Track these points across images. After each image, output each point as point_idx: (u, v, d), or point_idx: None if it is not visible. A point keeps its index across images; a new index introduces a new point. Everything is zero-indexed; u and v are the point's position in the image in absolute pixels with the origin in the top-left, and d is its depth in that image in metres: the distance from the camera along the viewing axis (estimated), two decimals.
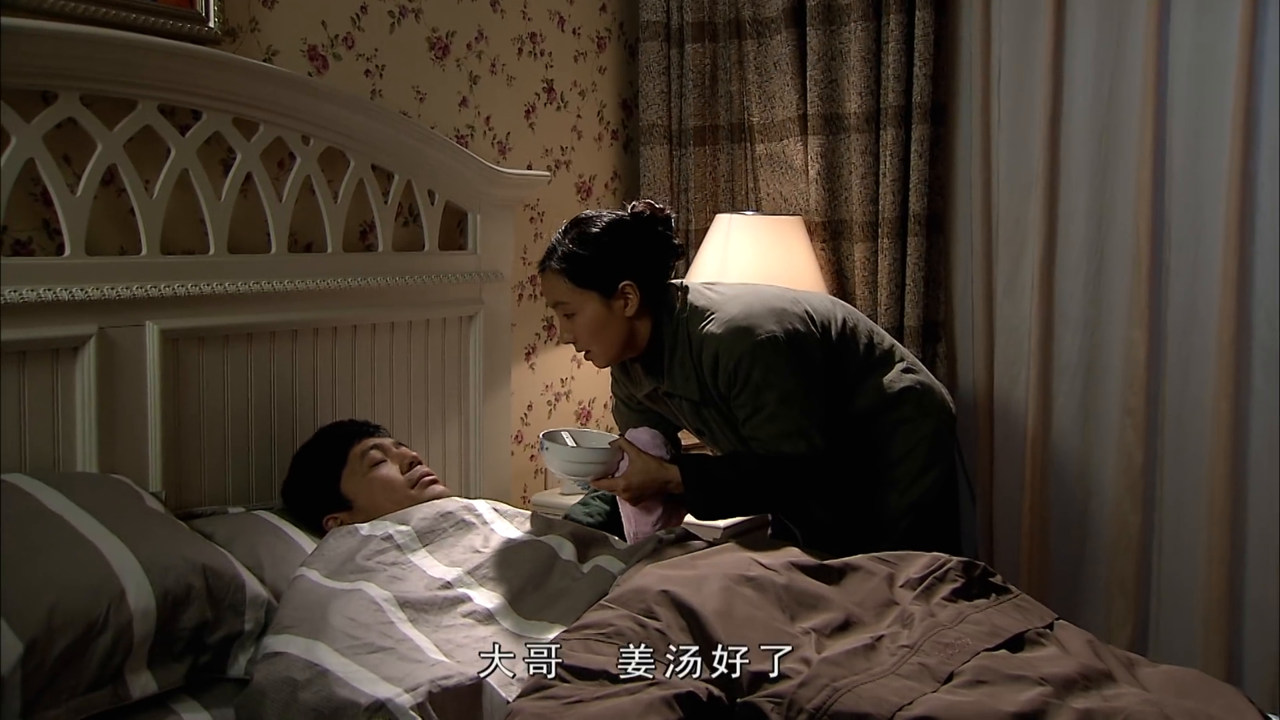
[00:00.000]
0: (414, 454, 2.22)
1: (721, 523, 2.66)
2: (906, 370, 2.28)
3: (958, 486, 2.34)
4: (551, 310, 2.22)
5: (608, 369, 2.36)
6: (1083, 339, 2.90)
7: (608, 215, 2.17)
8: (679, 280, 2.26)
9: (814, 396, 2.11)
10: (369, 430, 2.22)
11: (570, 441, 2.24)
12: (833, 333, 2.21)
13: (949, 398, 2.35)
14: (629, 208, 2.19)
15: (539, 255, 3.04)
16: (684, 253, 2.25)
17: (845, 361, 2.22)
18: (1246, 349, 2.66)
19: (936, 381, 2.35)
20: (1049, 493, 2.94)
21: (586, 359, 2.23)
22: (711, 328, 2.10)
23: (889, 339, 2.33)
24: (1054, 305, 2.91)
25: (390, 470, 2.14)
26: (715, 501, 2.14)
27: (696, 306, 2.16)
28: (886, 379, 2.24)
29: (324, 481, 2.12)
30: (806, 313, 2.18)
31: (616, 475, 2.15)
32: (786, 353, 2.09)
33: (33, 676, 1.47)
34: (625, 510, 2.21)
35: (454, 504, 2.07)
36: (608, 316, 2.13)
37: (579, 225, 2.15)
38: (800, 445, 2.08)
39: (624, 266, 2.12)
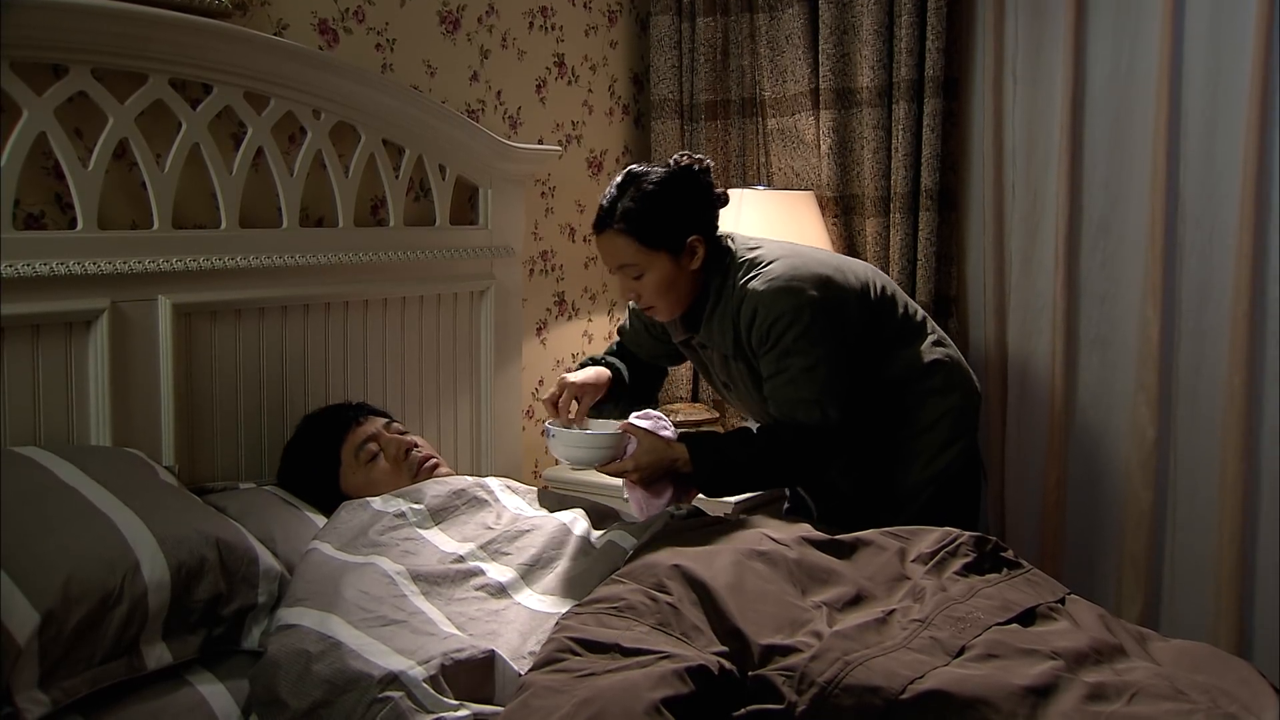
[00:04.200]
0: (409, 439, 2.17)
1: (733, 499, 2.67)
2: (937, 344, 2.27)
3: (979, 462, 2.33)
4: (611, 271, 2.17)
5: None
6: (1098, 315, 2.89)
7: (661, 169, 2.12)
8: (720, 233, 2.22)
9: (839, 369, 2.09)
10: (354, 416, 2.17)
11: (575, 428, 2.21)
12: (871, 295, 2.20)
13: (974, 375, 2.34)
14: (674, 161, 2.14)
15: (550, 230, 3.08)
16: (727, 201, 2.21)
17: (881, 327, 2.21)
18: (1260, 325, 2.65)
19: (963, 358, 2.34)
20: (1067, 468, 2.95)
21: (648, 315, 2.21)
22: (755, 283, 2.08)
23: (922, 311, 2.32)
24: (1080, 281, 2.90)
25: (388, 463, 2.11)
26: (724, 477, 2.13)
27: (742, 260, 2.14)
28: (918, 349, 2.24)
29: (323, 483, 2.11)
30: (849, 279, 2.16)
31: (624, 459, 2.13)
32: (822, 320, 2.07)
33: (49, 647, 1.48)
34: (634, 495, 2.19)
35: (466, 481, 2.07)
36: (677, 273, 2.11)
37: (636, 182, 2.09)
38: (814, 414, 2.07)
39: (690, 221, 2.09)
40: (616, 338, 2.51)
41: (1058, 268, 2.89)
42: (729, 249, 2.16)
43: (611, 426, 2.20)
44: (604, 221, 2.10)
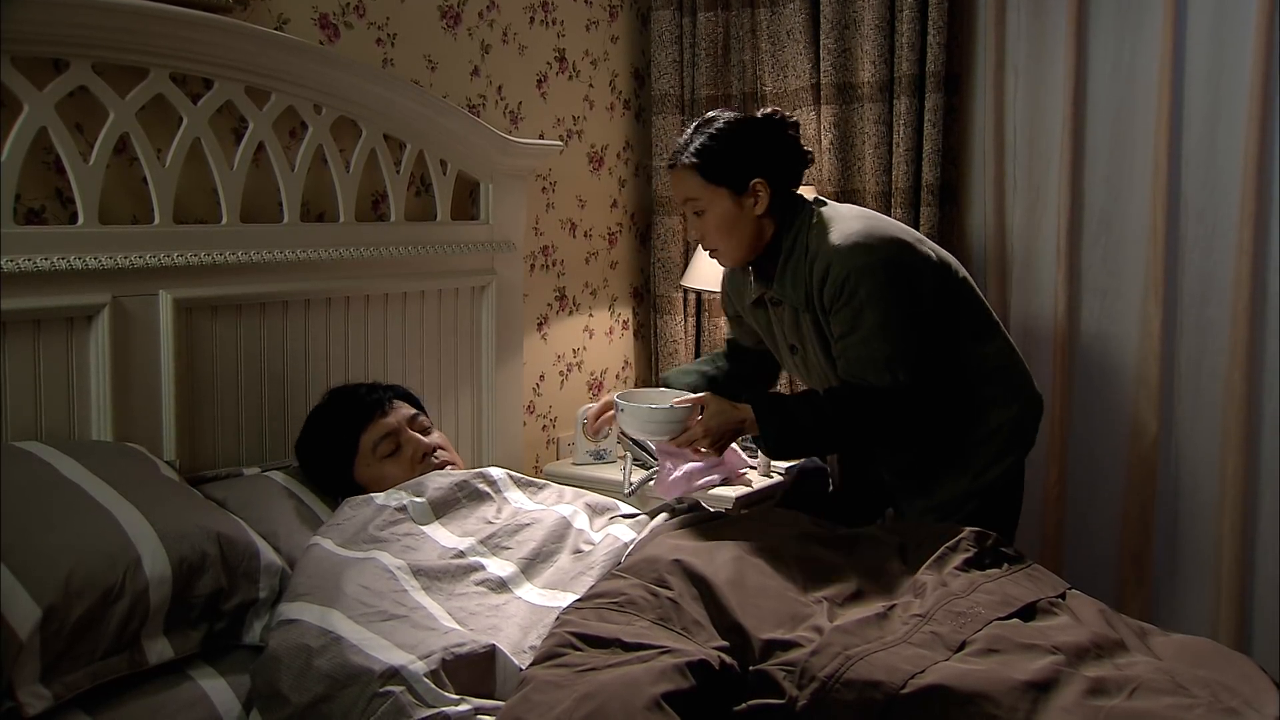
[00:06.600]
0: (430, 442, 2.14)
1: (733, 493, 2.67)
2: (1006, 349, 2.22)
3: (1022, 477, 2.26)
4: (680, 208, 2.17)
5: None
6: (1099, 309, 2.89)
7: (737, 113, 2.14)
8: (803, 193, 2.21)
9: (912, 332, 2.05)
10: (381, 405, 2.13)
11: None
12: (951, 276, 2.16)
13: (1035, 384, 2.26)
14: (759, 112, 2.15)
15: (551, 226, 3.08)
16: (814, 160, 2.20)
17: (957, 313, 2.16)
18: (1261, 320, 2.65)
19: (1026, 366, 2.26)
20: (1068, 463, 2.95)
21: (712, 257, 2.21)
22: (832, 238, 2.06)
23: (994, 313, 2.26)
24: (1081, 276, 2.90)
25: (404, 463, 2.09)
26: (790, 439, 2.08)
27: (821, 215, 2.12)
28: (988, 350, 2.19)
29: (337, 469, 2.10)
30: (926, 250, 2.14)
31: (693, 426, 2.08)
32: (897, 280, 2.03)
33: (51, 641, 1.48)
34: (666, 477, 2.21)
35: (468, 473, 2.07)
36: (737, 214, 2.10)
37: (710, 122, 2.13)
38: (885, 377, 2.03)
39: (755, 164, 2.09)
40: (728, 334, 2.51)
41: (1059, 263, 2.90)
42: (803, 205, 2.15)
43: (670, 395, 2.15)
44: (675, 156, 2.14)
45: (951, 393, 2.15)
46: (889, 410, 2.06)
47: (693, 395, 2.10)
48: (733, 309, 2.37)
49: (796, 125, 2.16)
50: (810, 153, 2.18)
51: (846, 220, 2.10)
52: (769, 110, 2.14)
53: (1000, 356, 2.20)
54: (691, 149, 2.10)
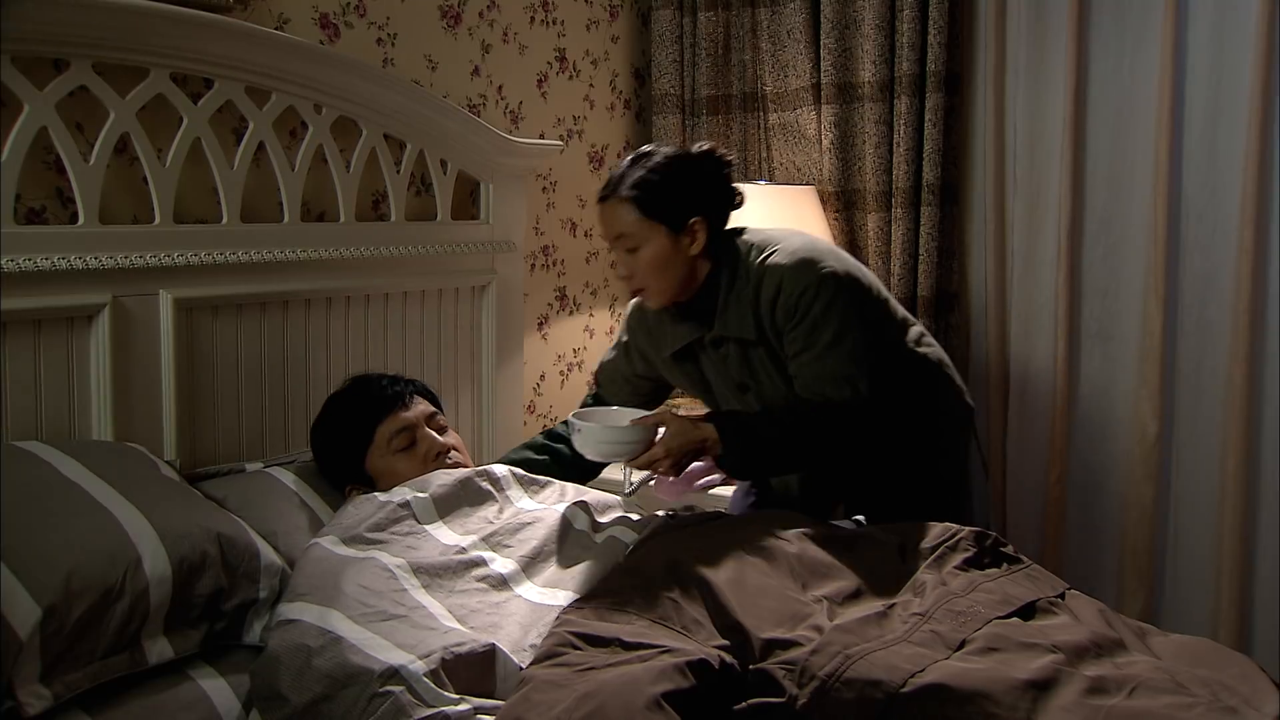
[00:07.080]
0: (446, 442, 2.13)
1: (731, 492, 2.67)
2: (923, 343, 2.24)
3: (966, 472, 2.29)
4: (609, 244, 2.12)
5: (593, 349, 2.30)
6: (1100, 309, 2.89)
7: (675, 149, 2.10)
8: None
9: (864, 343, 2.04)
10: (401, 398, 2.12)
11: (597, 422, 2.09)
12: (873, 292, 2.17)
13: (958, 379, 2.29)
14: (694, 148, 2.12)
15: (551, 225, 3.08)
16: (743, 203, 2.17)
17: (882, 327, 2.17)
18: (1261, 320, 2.65)
19: (945, 356, 2.29)
20: (1068, 463, 2.94)
21: (636, 295, 2.15)
22: (776, 258, 2.05)
23: (903, 310, 2.28)
24: (1081, 276, 2.90)
25: (417, 460, 2.08)
26: (753, 457, 2.04)
27: (755, 243, 2.10)
28: (908, 352, 2.21)
29: (349, 457, 2.09)
30: (860, 268, 2.15)
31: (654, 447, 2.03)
32: (845, 293, 2.03)
33: (51, 641, 1.48)
34: (661, 483, 2.17)
35: (472, 470, 2.06)
36: (672, 252, 2.05)
37: (648, 156, 2.08)
38: (844, 390, 2.02)
39: (694, 201, 2.06)
40: (594, 386, 2.44)
41: (1059, 262, 2.89)
42: (730, 239, 2.13)
43: (628, 414, 2.10)
44: (609, 189, 2.08)
45: (900, 397, 2.15)
46: (851, 422, 2.05)
47: (652, 413, 2.06)
48: (638, 366, 2.31)
49: (732, 164, 2.13)
50: (742, 195, 2.15)
51: (784, 239, 2.09)
52: (706, 147, 2.11)
53: (923, 350, 2.22)
54: (630, 181, 2.04)
